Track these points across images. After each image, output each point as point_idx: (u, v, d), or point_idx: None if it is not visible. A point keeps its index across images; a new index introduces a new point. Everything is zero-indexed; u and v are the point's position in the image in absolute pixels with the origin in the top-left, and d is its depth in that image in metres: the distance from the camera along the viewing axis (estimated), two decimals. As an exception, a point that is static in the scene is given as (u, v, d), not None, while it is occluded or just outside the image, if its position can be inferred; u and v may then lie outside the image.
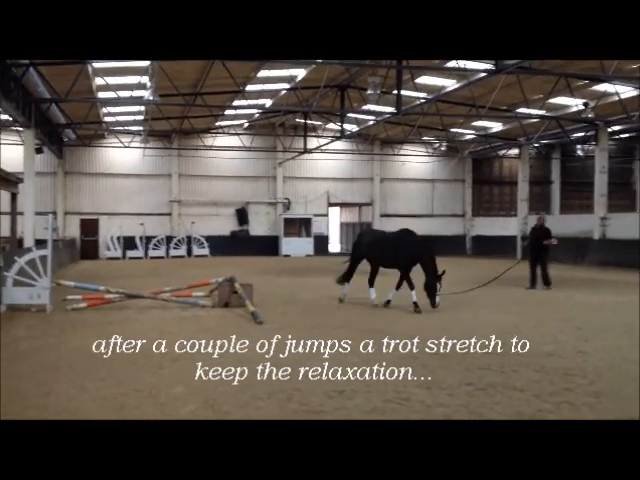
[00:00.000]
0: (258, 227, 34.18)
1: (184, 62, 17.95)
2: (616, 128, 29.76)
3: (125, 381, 6.29)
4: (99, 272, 21.37)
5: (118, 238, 30.95)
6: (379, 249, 12.33)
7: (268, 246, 33.14)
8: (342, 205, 37.08)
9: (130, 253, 30.83)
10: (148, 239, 31.44)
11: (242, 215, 33.83)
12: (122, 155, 31.74)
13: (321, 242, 34.41)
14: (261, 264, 25.64)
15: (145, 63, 18.07)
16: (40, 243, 12.04)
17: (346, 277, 12.84)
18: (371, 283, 12.47)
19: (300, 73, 22.41)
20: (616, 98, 21.96)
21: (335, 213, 38.68)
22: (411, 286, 11.56)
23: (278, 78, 23.36)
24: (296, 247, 33.10)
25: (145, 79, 19.54)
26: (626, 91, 22.11)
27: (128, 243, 31.02)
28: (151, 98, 19.74)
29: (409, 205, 36.20)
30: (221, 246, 32.32)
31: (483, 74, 18.12)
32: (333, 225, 38.44)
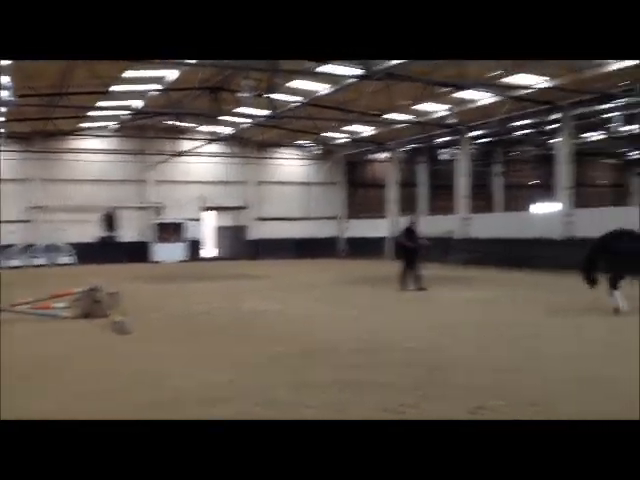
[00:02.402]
0: (128, 232, 32.90)
1: (46, 61, 16.90)
2: (477, 133, 31.58)
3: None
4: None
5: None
6: None
7: (139, 252, 31.87)
8: (217, 209, 36.57)
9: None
10: (4, 248, 29.21)
11: (110, 220, 32.39)
12: (-24, 158, 29.42)
13: (195, 247, 33.75)
14: (130, 271, 24.65)
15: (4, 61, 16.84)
16: None
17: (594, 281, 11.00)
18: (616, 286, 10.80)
19: (172, 74, 21.84)
20: (476, 105, 23.28)
21: (210, 217, 38.09)
22: None
23: (148, 79, 22.63)
24: (168, 253, 32.17)
25: (3, 78, 18.19)
26: (485, 98, 23.50)
27: (-17, 253, 28.75)
28: (9, 99, 18.44)
29: (285, 208, 36.37)
30: (88, 253, 30.62)
31: (353, 80, 18.57)
32: (208, 229, 37.85)
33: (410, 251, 15.57)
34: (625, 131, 28.15)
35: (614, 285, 10.76)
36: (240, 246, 36.27)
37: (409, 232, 15.94)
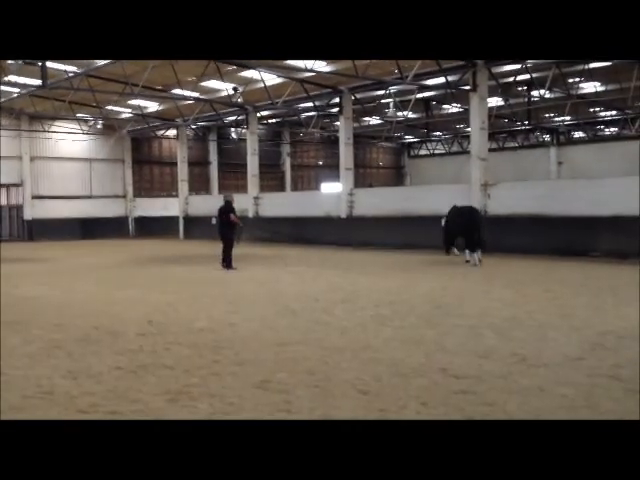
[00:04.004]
0: None
1: None
2: (265, 113, 32.10)
3: None
4: None
5: None
6: None
7: None
8: (-15, 186, 33.02)
9: None
10: None
11: None
12: None
13: (-40, 229, 30.22)
14: None
15: None
16: None
17: None
18: None
19: None
20: (262, 85, 23.55)
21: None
22: None
23: None
24: None
25: None
26: (270, 79, 23.86)
27: None
28: None
29: (65, 186, 33.88)
30: None
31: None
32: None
33: (231, 229, 15.44)
34: (399, 117, 30.54)
35: (456, 248, 15.87)
36: (15, 227, 33.24)
37: (227, 210, 15.70)
